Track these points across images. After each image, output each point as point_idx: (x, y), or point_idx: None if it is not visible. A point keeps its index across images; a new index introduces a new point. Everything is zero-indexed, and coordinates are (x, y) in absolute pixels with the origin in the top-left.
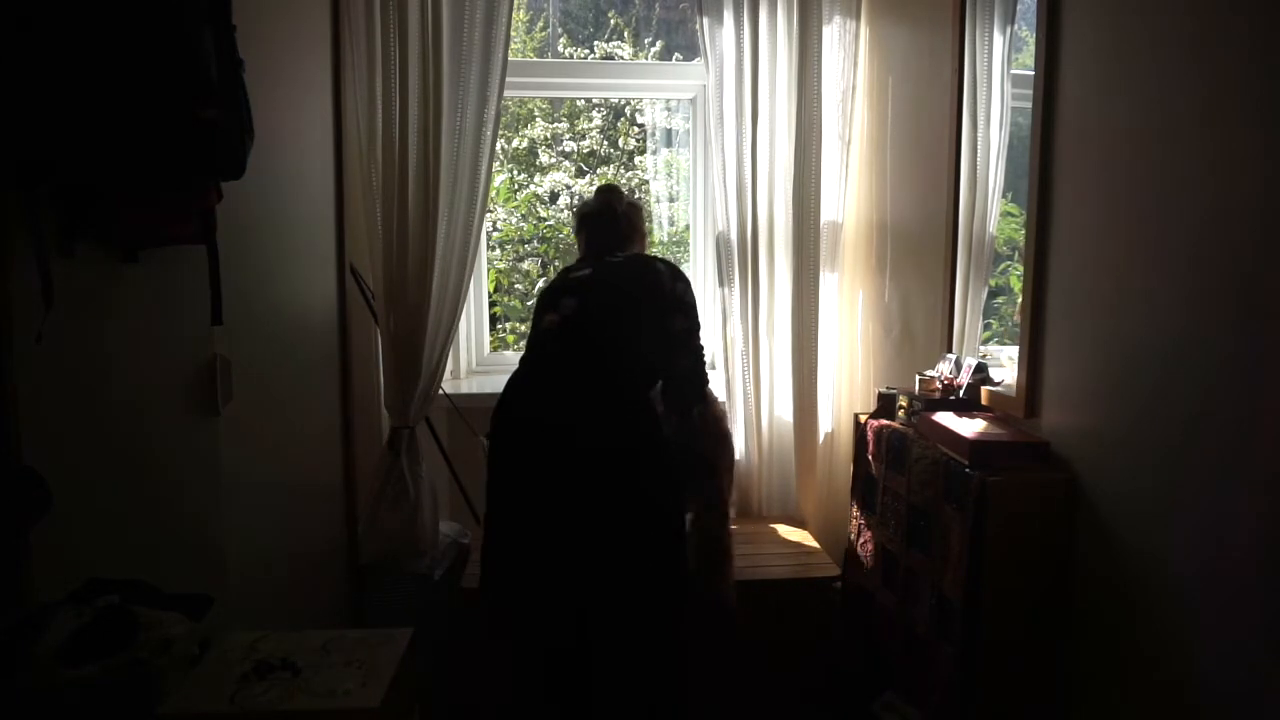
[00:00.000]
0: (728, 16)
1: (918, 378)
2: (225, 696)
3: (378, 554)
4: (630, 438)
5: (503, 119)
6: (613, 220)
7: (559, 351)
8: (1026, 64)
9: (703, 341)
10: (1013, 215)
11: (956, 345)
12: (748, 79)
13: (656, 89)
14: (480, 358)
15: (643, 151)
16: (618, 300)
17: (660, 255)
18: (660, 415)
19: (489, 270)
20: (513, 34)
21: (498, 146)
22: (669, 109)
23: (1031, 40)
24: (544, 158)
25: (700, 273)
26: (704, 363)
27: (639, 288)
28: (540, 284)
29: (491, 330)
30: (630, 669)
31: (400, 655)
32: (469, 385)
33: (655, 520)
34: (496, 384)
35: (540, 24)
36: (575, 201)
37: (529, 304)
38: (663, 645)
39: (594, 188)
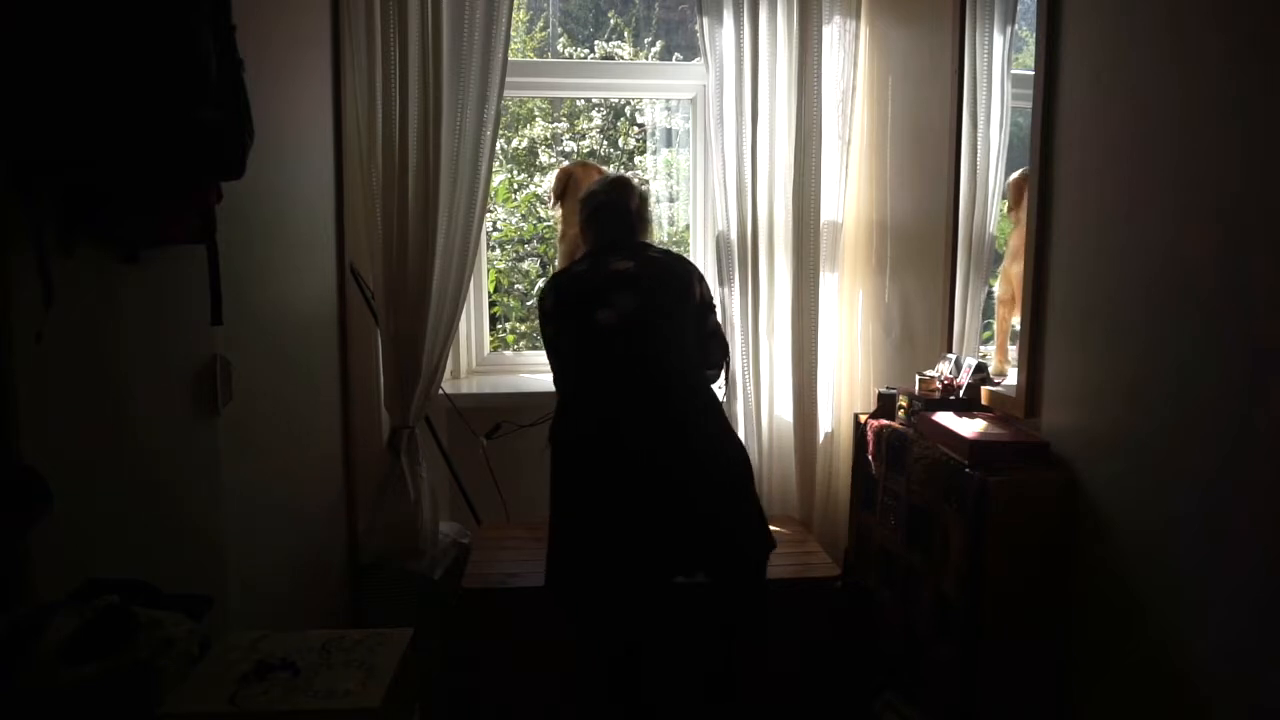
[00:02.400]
0: (728, 16)
1: (918, 378)
2: (225, 696)
3: (378, 554)
4: (711, 429)
5: (503, 119)
6: (625, 214)
7: (624, 352)
8: (1026, 64)
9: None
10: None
11: (956, 345)
12: (748, 79)
13: (656, 89)
14: (480, 358)
15: (643, 151)
16: (668, 299)
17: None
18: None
19: (489, 270)
20: (513, 34)
21: (498, 146)
22: (669, 109)
23: (1031, 40)
24: (544, 158)
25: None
26: (728, 350)
27: (681, 287)
28: (540, 282)
29: (491, 330)
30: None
31: (400, 655)
32: (469, 385)
33: (751, 513)
34: (496, 384)
35: (540, 24)
36: None
37: (529, 304)
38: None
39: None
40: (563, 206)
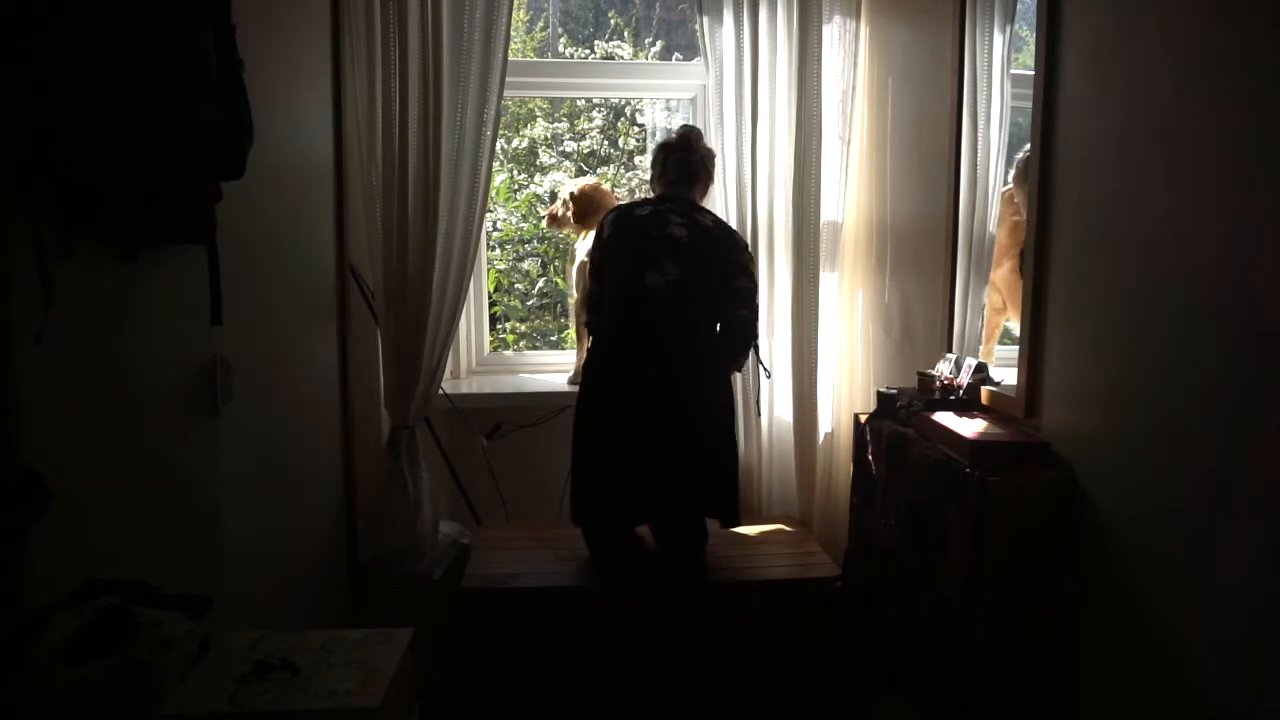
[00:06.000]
0: (728, 16)
1: (918, 377)
2: (225, 696)
3: (378, 554)
4: (715, 402)
5: (503, 119)
6: (690, 154)
7: (661, 318)
8: (1026, 64)
9: (759, 302)
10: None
11: (956, 345)
12: (748, 79)
13: (656, 89)
14: (480, 358)
15: (643, 151)
16: (711, 270)
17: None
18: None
19: (489, 270)
20: (513, 34)
21: (498, 146)
22: (669, 109)
23: (1031, 40)
24: (544, 158)
25: None
26: (758, 318)
27: (720, 262)
28: (541, 282)
29: (491, 330)
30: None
31: (400, 655)
32: (469, 385)
33: (725, 460)
34: (496, 384)
35: (540, 24)
36: None
37: (529, 304)
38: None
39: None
40: (583, 225)
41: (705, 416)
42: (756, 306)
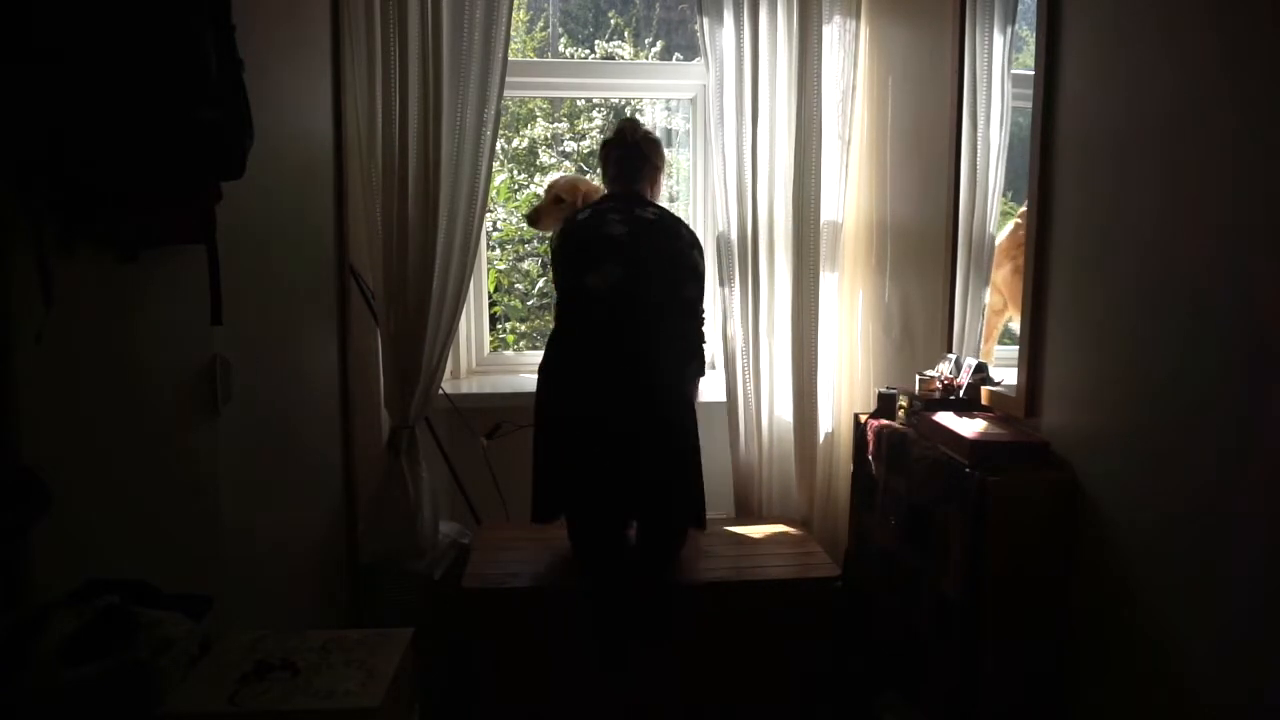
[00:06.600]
0: (728, 16)
1: (918, 378)
2: (225, 696)
3: (378, 554)
4: (674, 399)
5: (503, 119)
6: (628, 146)
7: (605, 319)
8: (1026, 64)
9: (705, 308)
10: (1013, 215)
11: (956, 345)
12: (748, 79)
13: (656, 89)
14: (480, 358)
15: None
16: (652, 269)
17: (683, 218)
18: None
19: (489, 270)
20: (513, 34)
21: (498, 146)
22: (669, 109)
23: (1031, 40)
24: (544, 158)
25: None
26: (703, 327)
27: (667, 256)
28: (541, 282)
29: (491, 330)
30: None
31: (400, 655)
32: (469, 385)
33: (689, 462)
34: (496, 384)
35: (540, 24)
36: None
37: (529, 304)
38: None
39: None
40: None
41: (659, 415)
42: (702, 316)
